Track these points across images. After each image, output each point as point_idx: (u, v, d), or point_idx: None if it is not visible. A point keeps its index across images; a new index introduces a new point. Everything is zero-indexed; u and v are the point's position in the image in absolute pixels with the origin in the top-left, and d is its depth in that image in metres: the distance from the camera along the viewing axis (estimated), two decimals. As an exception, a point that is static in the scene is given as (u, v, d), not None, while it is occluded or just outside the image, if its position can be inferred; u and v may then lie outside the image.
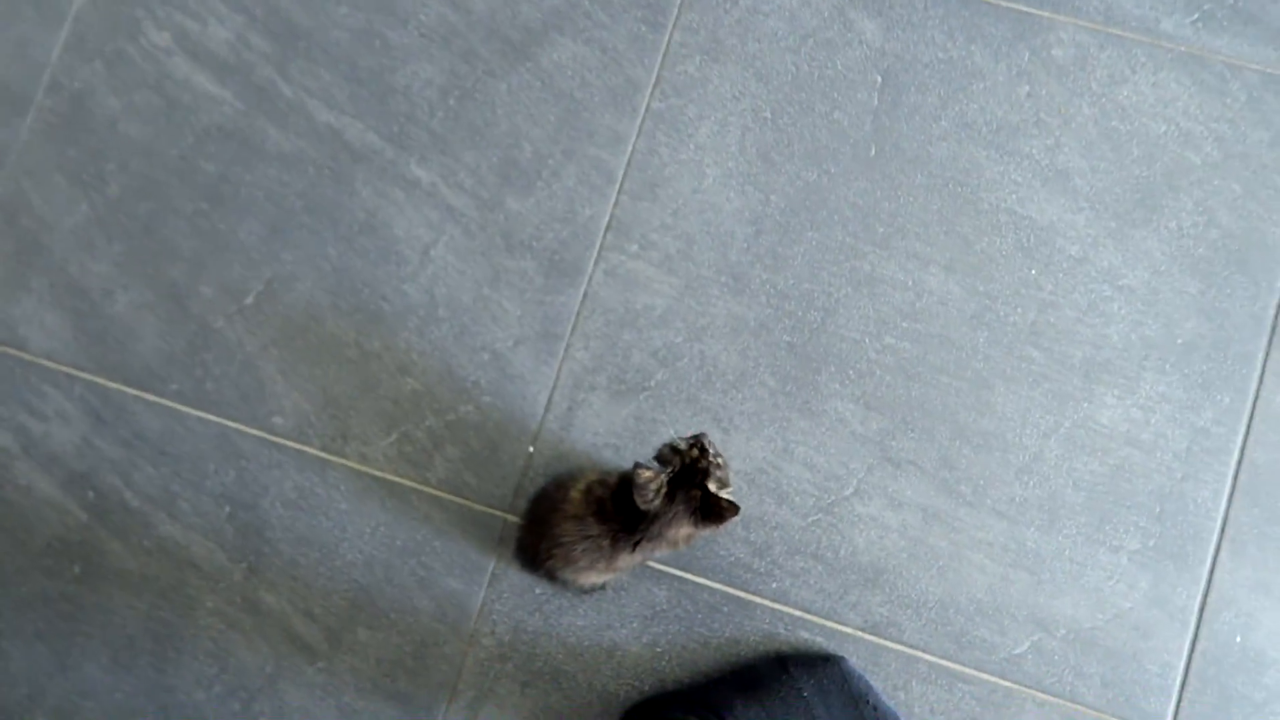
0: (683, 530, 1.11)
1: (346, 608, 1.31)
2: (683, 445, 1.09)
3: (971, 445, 1.29)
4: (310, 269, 1.37)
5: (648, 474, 1.06)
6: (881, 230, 1.33)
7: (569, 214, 1.36)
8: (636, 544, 1.12)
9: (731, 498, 1.07)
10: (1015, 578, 1.26)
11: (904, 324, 1.31)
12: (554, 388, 1.33)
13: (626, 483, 1.09)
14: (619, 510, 1.11)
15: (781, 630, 1.27)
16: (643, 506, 1.07)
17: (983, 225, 1.32)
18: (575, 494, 1.16)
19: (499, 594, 1.30)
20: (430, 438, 1.33)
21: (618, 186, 1.36)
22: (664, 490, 1.07)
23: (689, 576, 1.28)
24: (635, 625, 1.29)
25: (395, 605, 1.31)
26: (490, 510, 1.31)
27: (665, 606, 1.28)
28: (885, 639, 1.26)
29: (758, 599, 1.28)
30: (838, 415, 1.30)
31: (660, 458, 1.09)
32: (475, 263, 1.36)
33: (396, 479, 1.33)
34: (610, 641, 1.29)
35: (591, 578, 1.20)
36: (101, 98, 1.43)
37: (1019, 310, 1.31)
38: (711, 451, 1.09)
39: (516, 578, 1.30)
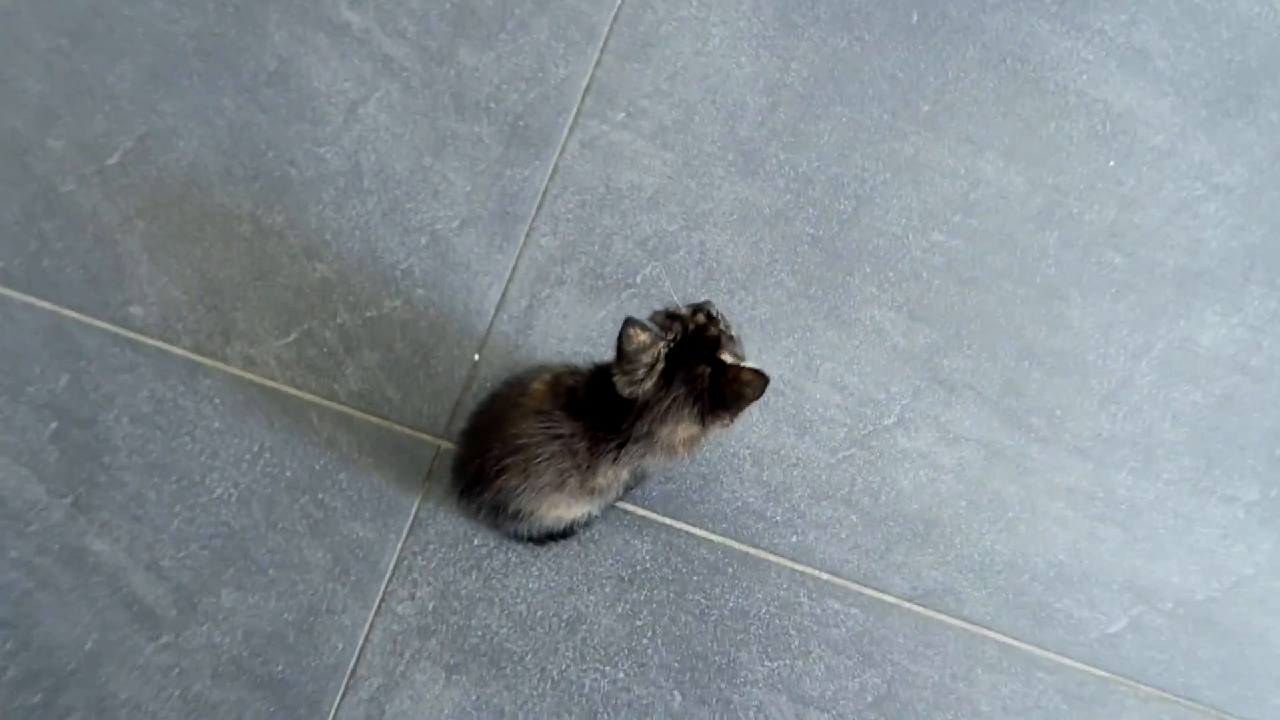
0: (683, 428, 0.80)
1: (209, 560, 0.97)
2: (685, 311, 0.79)
3: (1043, 367, 1.02)
4: (198, 124, 1.07)
5: (642, 336, 0.76)
6: (926, 109, 1.09)
7: (538, 73, 1.09)
8: (621, 446, 0.81)
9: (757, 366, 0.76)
10: (1105, 534, 0.99)
11: (955, 218, 1.06)
12: (510, 280, 1.03)
13: (604, 371, 0.79)
14: (596, 403, 0.80)
15: (804, 599, 0.96)
16: (626, 391, 0.77)
17: (1048, 108, 1.09)
18: (539, 386, 0.86)
19: (423, 545, 0.97)
20: (341, 339, 1.02)
21: (601, 43, 1.11)
22: (660, 366, 0.76)
23: (681, 525, 0.98)
24: (608, 589, 0.97)
25: (278, 558, 0.97)
26: (418, 434, 1.00)
27: (649, 564, 0.98)
28: (940, 612, 0.97)
29: (772, 557, 0.98)
30: (874, 325, 1.03)
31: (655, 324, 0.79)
32: (415, 125, 1.07)
33: (292, 390, 1.00)
34: (574, 611, 0.97)
35: (558, 508, 0.89)
36: (-58, -96, 1.13)
37: (1095, 207, 1.07)
38: (722, 321, 0.79)
39: (448, 523, 0.98)
